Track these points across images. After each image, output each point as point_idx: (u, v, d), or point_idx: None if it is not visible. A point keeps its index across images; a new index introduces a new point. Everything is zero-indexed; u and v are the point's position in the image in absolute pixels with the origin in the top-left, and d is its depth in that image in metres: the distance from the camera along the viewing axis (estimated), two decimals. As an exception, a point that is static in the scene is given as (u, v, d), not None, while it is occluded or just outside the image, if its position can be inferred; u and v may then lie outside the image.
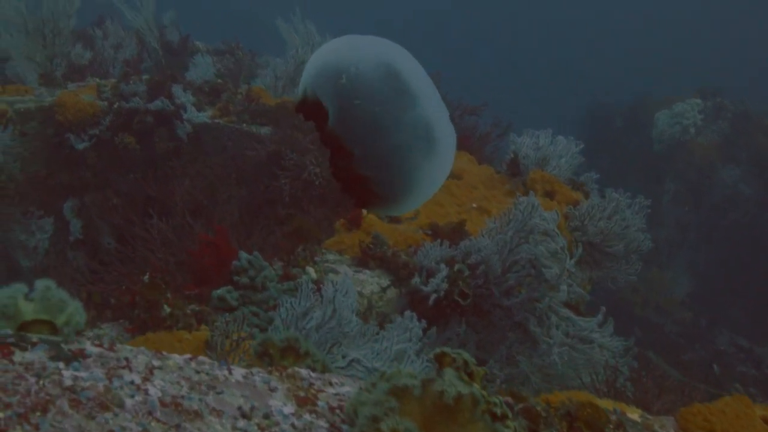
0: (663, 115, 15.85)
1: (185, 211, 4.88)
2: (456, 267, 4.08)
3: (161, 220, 4.80)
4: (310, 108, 1.89)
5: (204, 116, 6.60)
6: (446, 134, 1.96)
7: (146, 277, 3.59)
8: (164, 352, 1.65)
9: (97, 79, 7.52)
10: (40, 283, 2.76)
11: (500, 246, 4.10)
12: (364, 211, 4.57)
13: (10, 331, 2.46)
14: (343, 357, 3.48)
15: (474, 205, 4.88)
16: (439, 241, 4.16)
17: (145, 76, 7.34)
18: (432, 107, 1.90)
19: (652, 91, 18.40)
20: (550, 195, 5.03)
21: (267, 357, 3.04)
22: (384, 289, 4.15)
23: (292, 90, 7.08)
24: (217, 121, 6.56)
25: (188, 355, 1.67)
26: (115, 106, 6.68)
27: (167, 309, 3.49)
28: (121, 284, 3.98)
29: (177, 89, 6.67)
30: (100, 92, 6.92)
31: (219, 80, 7.13)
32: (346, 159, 1.90)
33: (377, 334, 3.60)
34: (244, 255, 3.89)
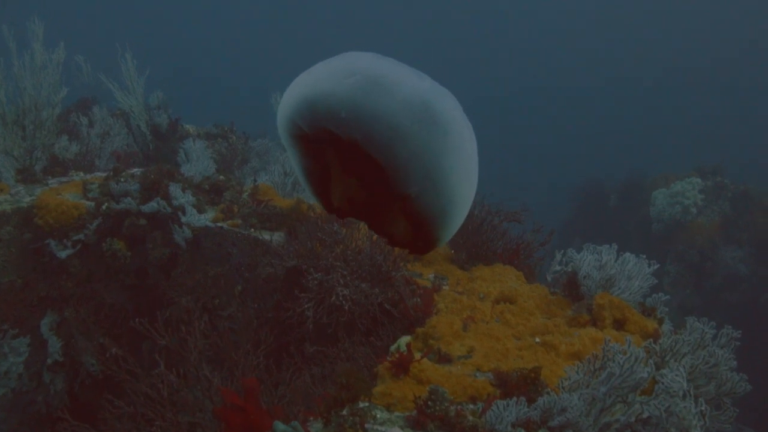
0: (661, 194, 15.44)
1: (202, 362, 4.07)
2: (539, 433, 3.32)
3: (169, 368, 3.98)
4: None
5: (205, 219, 5.84)
6: (452, 111, 1.81)
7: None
8: None
9: (82, 174, 6.76)
10: None
11: (589, 405, 3.37)
12: (417, 353, 3.81)
13: None
14: None
15: (537, 340, 4.15)
16: (514, 399, 3.40)
17: (137, 170, 6.60)
18: (422, 88, 1.76)
19: (646, 168, 18.05)
20: (619, 324, 4.32)
21: None
22: (449, 460, 3.37)
23: (303, 190, 6.37)
24: (220, 225, 5.81)
25: None
26: (104, 207, 5.91)
27: None
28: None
29: (175, 189, 5.93)
30: (86, 190, 6.15)
31: (221, 177, 6.40)
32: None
33: None
34: (280, 427, 3.09)
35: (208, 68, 49.14)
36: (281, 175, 6.33)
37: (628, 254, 4.52)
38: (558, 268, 5.29)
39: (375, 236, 4.87)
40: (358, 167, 1.81)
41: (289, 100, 1.87)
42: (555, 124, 46.01)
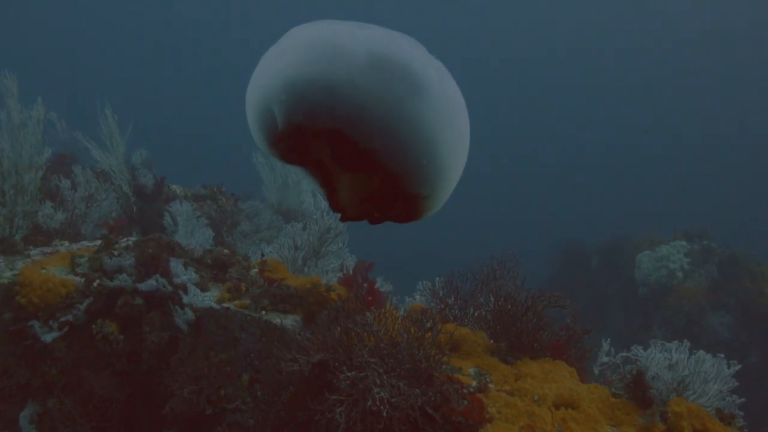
0: (646, 256, 15.23)
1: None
2: None
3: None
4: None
5: (210, 299, 5.25)
6: (420, 59, 1.74)
7: None
8: None
9: (67, 243, 6.13)
10: None
11: None
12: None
13: None
14: None
15: (612, 456, 3.64)
16: None
17: (129, 240, 5.99)
18: (379, 43, 1.69)
19: (628, 228, 17.89)
20: (698, 435, 3.83)
21: None
22: None
23: (315, 265, 5.82)
24: (226, 306, 5.22)
25: None
26: (95, 284, 5.29)
27: None
28: None
29: (176, 265, 5.34)
30: (74, 264, 5.52)
31: (225, 250, 5.82)
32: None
33: None
34: None
35: (189, 124, 48.53)
36: (291, 249, 5.78)
37: (702, 353, 4.05)
38: (606, 359, 4.82)
39: (413, 328, 4.34)
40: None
41: (252, 111, 1.88)
42: (536, 183, 46.27)
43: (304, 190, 10.29)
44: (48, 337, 5.11)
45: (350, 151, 1.73)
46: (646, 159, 48.20)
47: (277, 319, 5.04)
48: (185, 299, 5.22)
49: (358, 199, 2.10)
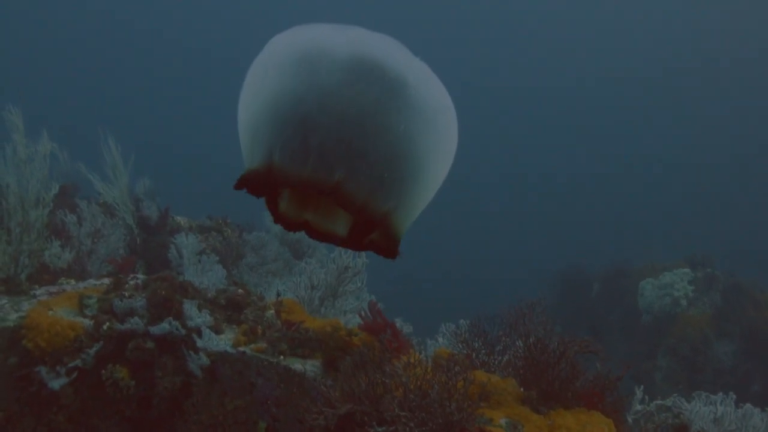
0: (649, 284, 15.09)
1: None
2: None
3: None
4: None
5: (225, 343, 5.05)
6: (404, 63, 1.63)
7: None
8: None
9: (73, 282, 5.91)
10: None
11: None
12: None
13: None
14: None
15: None
16: None
17: (139, 277, 5.79)
18: (358, 44, 1.59)
19: (628, 253, 17.76)
20: (748, 494, 3.65)
21: None
22: None
23: (332, 305, 5.62)
24: (242, 350, 5.01)
25: None
26: (105, 327, 5.07)
27: None
28: None
29: (190, 307, 5.14)
30: (82, 305, 5.31)
31: (239, 290, 5.62)
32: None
33: None
34: None
35: (189, 137, 48.17)
36: (307, 288, 5.58)
37: (749, 406, 3.89)
38: (639, 407, 4.65)
39: (443, 377, 4.15)
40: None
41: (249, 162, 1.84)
42: (534, 207, 46.15)
43: (309, 219, 10.08)
44: (55, 384, 4.89)
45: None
46: (649, 178, 48.36)
47: (296, 365, 4.84)
48: (199, 343, 5.02)
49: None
